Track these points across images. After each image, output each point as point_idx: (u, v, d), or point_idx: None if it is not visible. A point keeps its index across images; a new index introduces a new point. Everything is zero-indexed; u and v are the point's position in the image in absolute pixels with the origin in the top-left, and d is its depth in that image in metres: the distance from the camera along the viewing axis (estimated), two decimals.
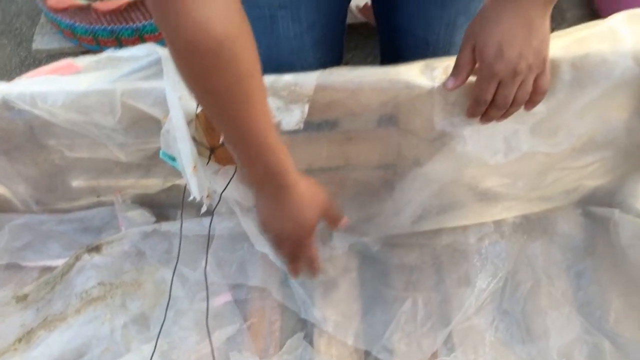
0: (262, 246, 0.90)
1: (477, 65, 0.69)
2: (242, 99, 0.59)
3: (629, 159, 0.85)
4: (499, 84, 0.67)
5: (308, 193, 0.71)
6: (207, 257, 0.81)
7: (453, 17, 0.81)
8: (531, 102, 0.71)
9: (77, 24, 1.56)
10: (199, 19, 0.52)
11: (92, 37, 1.58)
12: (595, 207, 0.90)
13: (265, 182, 0.68)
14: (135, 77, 0.81)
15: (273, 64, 0.83)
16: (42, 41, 1.73)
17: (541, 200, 0.91)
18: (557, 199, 0.91)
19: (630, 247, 0.83)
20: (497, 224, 0.91)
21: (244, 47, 0.56)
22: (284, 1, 0.76)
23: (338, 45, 0.92)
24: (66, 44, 1.68)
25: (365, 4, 1.60)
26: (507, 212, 0.91)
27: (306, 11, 0.78)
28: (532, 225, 0.92)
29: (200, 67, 0.56)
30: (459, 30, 0.83)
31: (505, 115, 0.72)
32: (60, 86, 0.82)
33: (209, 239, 0.82)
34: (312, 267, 0.78)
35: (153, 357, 0.82)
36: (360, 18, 1.64)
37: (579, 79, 0.77)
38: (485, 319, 0.77)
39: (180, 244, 0.83)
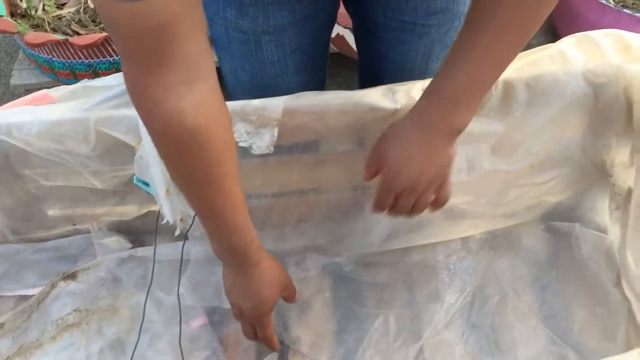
0: None
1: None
2: (211, 183, 0.62)
3: (585, 174, 0.88)
4: (397, 194, 0.72)
5: (269, 273, 0.75)
6: (179, 279, 0.82)
7: (429, 46, 0.84)
8: (434, 207, 0.75)
9: (54, 58, 1.59)
10: (172, 109, 0.54)
11: (69, 71, 1.61)
12: (557, 222, 0.94)
13: (229, 258, 0.73)
14: (109, 106, 0.84)
15: (258, 86, 0.87)
16: (20, 77, 1.75)
17: (505, 217, 0.94)
18: (520, 215, 0.94)
19: (591, 260, 0.86)
20: (464, 240, 0.94)
21: (215, 137, 0.58)
22: (268, 27, 0.79)
23: (321, 70, 0.95)
24: (44, 79, 1.70)
25: (337, 35, 1.65)
26: (474, 229, 0.93)
27: (289, 37, 0.81)
28: (497, 241, 0.94)
29: (171, 152, 0.59)
30: (434, 59, 0.87)
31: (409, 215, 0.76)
32: (34, 116, 0.84)
33: (182, 261, 0.84)
34: (270, 346, 0.83)
35: None
36: (333, 48, 1.69)
37: (533, 98, 0.81)
38: (455, 333, 0.79)
39: (153, 268, 0.84)
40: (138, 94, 0.54)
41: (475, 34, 0.60)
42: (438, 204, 0.74)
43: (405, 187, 0.70)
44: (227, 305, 0.94)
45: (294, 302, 0.83)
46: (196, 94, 0.54)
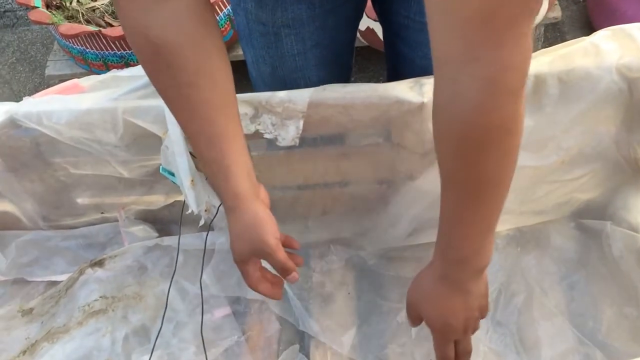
0: None
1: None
2: (183, 106, 0.62)
3: (618, 171, 0.86)
4: (455, 341, 0.71)
5: (241, 225, 0.69)
6: (202, 269, 0.82)
7: None
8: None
9: (87, 50, 1.61)
10: (138, 24, 0.56)
11: (102, 62, 1.63)
12: (587, 220, 0.91)
13: (223, 194, 0.69)
14: (136, 96, 0.85)
15: (278, 78, 0.86)
16: (54, 67, 1.78)
17: (534, 214, 0.92)
18: (549, 212, 0.92)
19: (622, 259, 0.84)
20: None
21: (185, 57, 0.58)
22: (286, 20, 0.79)
23: (344, 66, 0.94)
24: (78, 70, 1.73)
25: (367, 28, 1.63)
26: (501, 225, 0.91)
27: (309, 31, 0.81)
28: (525, 238, 0.93)
29: (146, 67, 0.62)
30: None
31: None
32: (64, 105, 0.85)
33: (205, 251, 0.84)
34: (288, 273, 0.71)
35: None
36: (363, 42, 1.68)
37: (565, 93, 0.79)
38: (479, 329, 0.78)
39: (177, 257, 0.85)
40: (119, 12, 0.58)
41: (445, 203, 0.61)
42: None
43: (459, 333, 0.70)
44: (250, 295, 0.96)
45: (289, 279, 0.71)
46: (166, 10, 0.55)
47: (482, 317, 0.72)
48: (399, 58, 0.91)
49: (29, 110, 0.85)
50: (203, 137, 0.64)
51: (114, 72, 0.89)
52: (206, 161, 0.67)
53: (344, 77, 0.96)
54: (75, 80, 0.92)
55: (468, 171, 0.55)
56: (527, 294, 0.87)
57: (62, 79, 1.78)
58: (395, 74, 0.95)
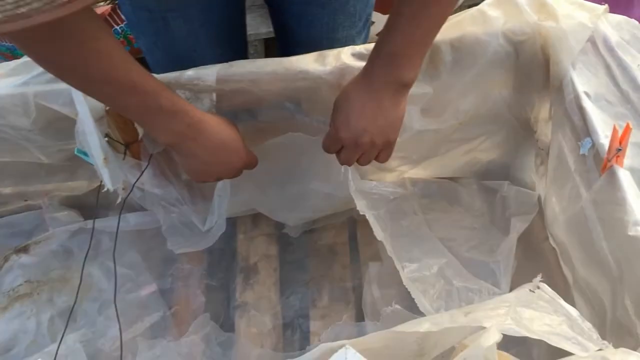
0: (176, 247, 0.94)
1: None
2: (92, 63, 0.59)
3: (513, 133, 0.91)
4: (342, 147, 0.74)
5: (224, 132, 0.73)
6: (114, 247, 0.83)
7: (333, 16, 0.88)
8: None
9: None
10: None
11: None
12: (487, 181, 0.97)
13: (171, 127, 0.67)
14: (47, 79, 0.86)
15: (173, 61, 0.88)
16: None
17: (440, 167, 0.98)
18: (455, 170, 0.98)
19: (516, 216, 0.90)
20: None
21: (88, 18, 0.56)
22: (172, 4, 0.81)
23: (238, 42, 0.96)
24: None
25: None
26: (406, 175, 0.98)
27: (197, 11, 0.83)
28: (432, 189, 0.99)
29: (39, 37, 0.55)
30: (339, 28, 0.90)
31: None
32: None
33: (118, 227, 0.86)
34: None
35: (80, 345, 0.85)
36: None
37: (458, 59, 0.84)
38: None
39: (91, 238, 0.85)
40: None
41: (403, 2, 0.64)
42: (378, 161, 0.77)
43: (349, 140, 0.72)
44: (175, 272, 0.98)
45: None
46: None
47: (381, 158, 0.76)
48: (287, 33, 0.94)
49: None
50: (123, 81, 0.61)
51: (24, 59, 0.90)
52: (134, 102, 0.64)
53: (239, 53, 0.97)
54: None
55: None
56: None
57: None
58: (285, 48, 0.98)
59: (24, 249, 0.99)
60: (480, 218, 0.95)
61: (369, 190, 0.93)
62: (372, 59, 0.70)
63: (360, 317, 0.90)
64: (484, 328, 0.51)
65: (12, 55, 1.65)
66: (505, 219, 0.91)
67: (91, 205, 1.06)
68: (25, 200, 1.03)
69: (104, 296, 0.93)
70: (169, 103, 0.65)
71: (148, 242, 0.99)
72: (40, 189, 1.02)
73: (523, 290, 0.57)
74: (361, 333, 0.84)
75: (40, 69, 0.86)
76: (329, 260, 0.97)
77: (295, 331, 0.90)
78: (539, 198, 0.91)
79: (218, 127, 0.73)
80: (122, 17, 1.59)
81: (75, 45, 0.57)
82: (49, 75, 0.86)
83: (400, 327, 0.54)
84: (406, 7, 0.64)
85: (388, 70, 0.68)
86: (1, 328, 0.90)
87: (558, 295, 0.58)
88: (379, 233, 0.82)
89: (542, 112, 0.86)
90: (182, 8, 0.81)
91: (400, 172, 0.98)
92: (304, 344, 0.88)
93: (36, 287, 0.95)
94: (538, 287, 0.57)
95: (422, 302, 0.79)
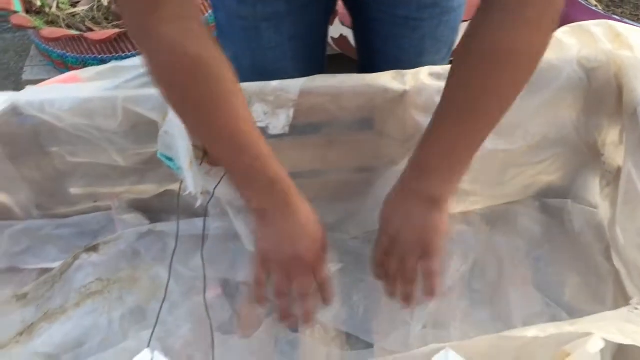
0: (252, 245, 0.97)
1: None
2: (218, 114, 0.64)
3: (578, 155, 0.95)
4: (387, 254, 0.75)
5: (311, 217, 0.72)
6: (202, 245, 0.86)
7: (422, 40, 0.91)
8: (427, 288, 0.72)
9: (68, 53, 1.64)
10: (174, 39, 0.59)
11: (82, 66, 1.66)
12: (550, 199, 1.00)
13: (266, 195, 0.68)
14: (136, 85, 0.90)
15: (258, 71, 0.91)
16: (32, 72, 1.81)
17: (503, 196, 1.01)
18: (516, 194, 1.01)
19: (582, 234, 0.93)
20: (465, 214, 1.00)
21: (221, 66, 0.63)
22: (266, 14, 0.85)
23: (319, 59, 1.00)
24: (57, 74, 1.75)
25: (340, 36, 1.71)
26: (473, 205, 1.00)
27: (287, 24, 0.87)
28: (495, 217, 1.01)
29: (177, 81, 0.62)
30: (426, 53, 0.93)
31: (407, 299, 0.75)
32: (66, 93, 0.90)
33: (204, 232, 0.89)
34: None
35: (150, 343, 0.88)
36: (336, 49, 1.75)
37: (531, 83, 0.87)
38: (456, 298, 0.85)
39: (177, 239, 0.89)
40: (142, 32, 0.60)
41: (448, 113, 0.67)
42: (427, 278, 0.72)
43: (388, 245, 0.74)
44: (240, 277, 1.01)
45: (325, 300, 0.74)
46: (193, 29, 0.60)
47: (429, 269, 0.71)
48: (372, 53, 0.97)
49: (30, 98, 0.89)
50: (251, 135, 0.66)
51: (112, 64, 0.94)
52: (238, 161, 0.67)
53: (318, 70, 1.00)
54: (73, 72, 0.96)
55: (483, 83, 0.63)
56: (498, 267, 0.95)
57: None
58: (370, 69, 1.01)
59: (94, 249, 1.01)
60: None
61: None
62: (409, 166, 0.72)
63: None
64: (587, 336, 0.54)
65: (63, 63, 1.70)
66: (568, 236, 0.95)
67: (157, 209, 1.09)
68: (95, 202, 1.06)
69: (173, 297, 0.96)
70: (272, 171, 0.67)
71: (214, 247, 1.01)
72: (109, 191, 1.05)
73: (622, 310, 0.60)
74: None
75: (129, 75, 0.90)
76: None
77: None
78: (601, 218, 0.95)
79: (307, 212, 0.72)
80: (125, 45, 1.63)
81: (216, 94, 0.63)
82: (139, 81, 0.90)
83: (507, 333, 0.56)
84: (453, 107, 0.66)
85: (420, 182, 0.70)
86: (74, 324, 0.92)
87: None
88: None
89: (611, 135, 0.90)
90: (275, 19, 0.86)
91: (470, 202, 1.01)
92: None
93: (107, 285, 0.98)
94: (636, 308, 0.59)
95: None
